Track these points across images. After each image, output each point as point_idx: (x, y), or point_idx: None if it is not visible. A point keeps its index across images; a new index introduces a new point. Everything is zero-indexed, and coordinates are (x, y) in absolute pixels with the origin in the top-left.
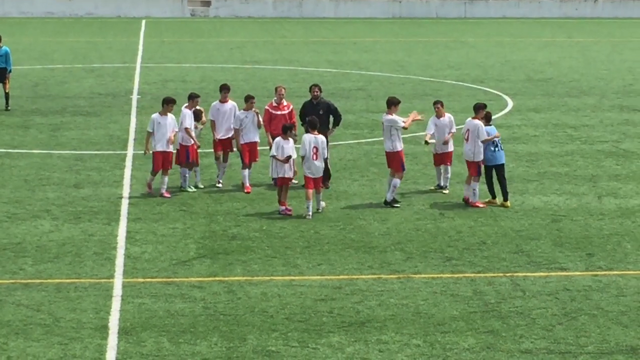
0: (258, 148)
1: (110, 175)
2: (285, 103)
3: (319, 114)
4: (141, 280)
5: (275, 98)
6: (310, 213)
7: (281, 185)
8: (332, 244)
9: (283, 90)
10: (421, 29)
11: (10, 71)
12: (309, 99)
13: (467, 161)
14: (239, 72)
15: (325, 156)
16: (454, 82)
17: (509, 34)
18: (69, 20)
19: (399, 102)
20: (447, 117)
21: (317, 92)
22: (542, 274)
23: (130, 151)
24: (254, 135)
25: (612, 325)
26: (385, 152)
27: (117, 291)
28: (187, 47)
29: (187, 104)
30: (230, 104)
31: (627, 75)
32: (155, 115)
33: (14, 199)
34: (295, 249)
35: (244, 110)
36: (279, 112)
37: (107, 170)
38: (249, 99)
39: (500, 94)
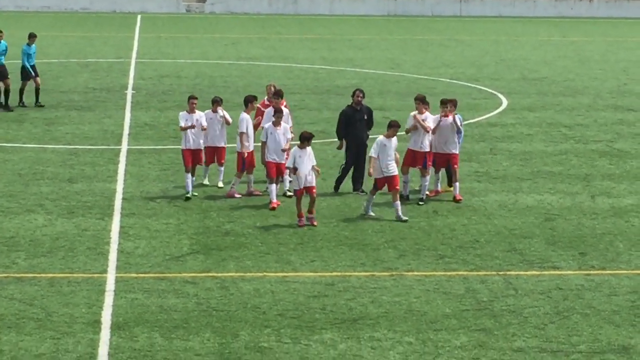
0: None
1: (104, 170)
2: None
3: (362, 120)
4: (134, 275)
5: (267, 97)
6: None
7: (300, 194)
8: (325, 240)
9: (273, 88)
10: (416, 27)
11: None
12: (348, 104)
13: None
14: (234, 69)
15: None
16: (448, 80)
17: (504, 32)
18: (64, 14)
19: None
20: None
21: (360, 97)
22: (534, 272)
23: (124, 146)
24: (218, 140)
25: (604, 325)
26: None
27: (110, 286)
28: (182, 43)
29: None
30: (199, 114)
31: (621, 75)
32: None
33: (8, 193)
34: (289, 246)
35: (211, 111)
36: None
37: (101, 165)
38: (214, 102)
39: (495, 92)
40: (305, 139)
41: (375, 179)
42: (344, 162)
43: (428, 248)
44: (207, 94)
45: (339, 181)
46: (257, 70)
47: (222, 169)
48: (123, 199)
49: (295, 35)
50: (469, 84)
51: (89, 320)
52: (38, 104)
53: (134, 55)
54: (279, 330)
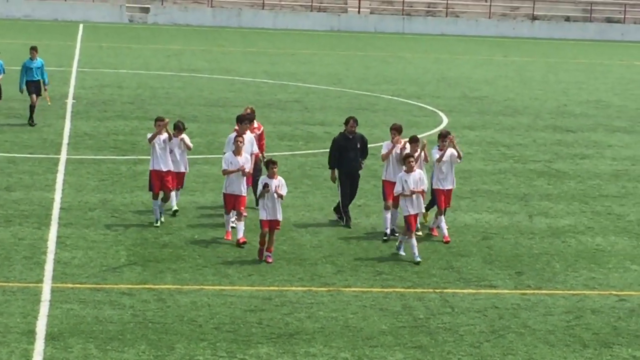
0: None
1: (43, 179)
2: (255, 124)
3: (355, 149)
4: (70, 285)
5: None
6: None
7: (266, 228)
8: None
9: (249, 110)
10: (359, 43)
11: (47, 84)
12: (341, 132)
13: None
14: (176, 80)
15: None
16: (390, 97)
17: (446, 51)
18: (6, 21)
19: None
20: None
21: (354, 126)
22: (471, 290)
23: (63, 155)
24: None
25: (538, 344)
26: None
27: (46, 296)
28: (124, 53)
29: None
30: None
31: (561, 96)
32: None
33: None
34: (227, 259)
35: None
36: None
37: (40, 174)
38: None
39: (436, 110)
40: (269, 165)
41: (405, 217)
42: (338, 200)
43: (366, 264)
44: (148, 105)
45: (346, 214)
46: (200, 82)
47: (178, 193)
48: (61, 208)
49: (238, 48)
50: (410, 101)
51: (24, 330)
52: (31, 122)
53: (75, 64)
54: (215, 343)
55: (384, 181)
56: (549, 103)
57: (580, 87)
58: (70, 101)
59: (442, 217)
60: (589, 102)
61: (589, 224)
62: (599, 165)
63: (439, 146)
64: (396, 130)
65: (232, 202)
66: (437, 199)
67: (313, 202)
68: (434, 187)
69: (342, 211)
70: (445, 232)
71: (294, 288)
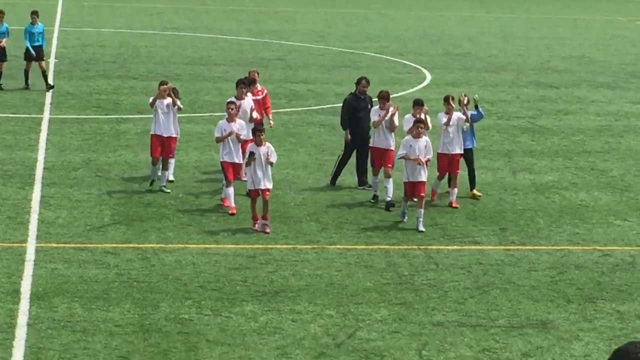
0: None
1: (26, 139)
2: (259, 87)
3: (366, 109)
4: (54, 245)
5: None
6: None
7: (255, 197)
8: (247, 213)
9: (256, 74)
10: (341, 1)
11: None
12: (352, 92)
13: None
14: (158, 39)
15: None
16: (373, 54)
17: (429, 7)
18: None
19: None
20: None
21: (365, 86)
22: (455, 247)
23: (46, 115)
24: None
25: (523, 300)
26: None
27: (30, 256)
28: (106, 12)
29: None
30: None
31: (544, 52)
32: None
33: None
34: (211, 217)
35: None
36: (252, 98)
37: (23, 134)
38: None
39: (419, 67)
40: (256, 132)
41: (404, 183)
42: (340, 152)
43: (350, 222)
44: (130, 64)
45: (336, 174)
46: (182, 41)
47: (172, 161)
48: (44, 168)
49: (220, 6)
50: (394, 59)
51: (8, 290)
52: (49, 86)
53: (57, 23)
54: (200, 302)
55: (372, 147)
56: (532, 59)
57: (564, 42)
58: (52, 60)
59: (439, 181)
60: (572, 57)
61: (572, 179)
62: (583, 121)
63: (445, 112)
64: (384, 98)
65: (231, 170)
66: (438, 164)
67: (297, 160)
68: (439, 151)
69: (337, 171)
70: (435, 193)
71: (278, 246)
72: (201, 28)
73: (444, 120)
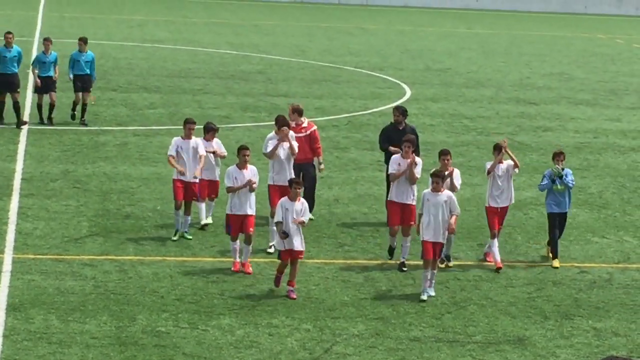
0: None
1: (4, 149)
2: (305, 123)
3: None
4: (31, 256)
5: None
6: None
7: (286, 259)
8: (223, 226)
9: (300, 106)
10: (322, 15)
11: (94, 79)
12: (391, 121)
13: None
14: (139, 51)
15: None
16: (353, 69)
17: (410, 22)
18: None
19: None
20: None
21: (400, 117)
22: None
23: (25, 126)
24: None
25: (500, 316)
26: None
27: (7, 267)
28: (87, 23)
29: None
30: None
31: (524, 68)
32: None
33: None
34: (189, 230)
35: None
36: (296, 135)
37: (1, 145)
38: (209, 130)
39: (399, 82)
40: (292, 184)
41: (422, 242)
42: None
43: (328, 236)
44: (110, 76)
45: None
46: (162, 53)
47: (213, 203)
48: (22, 179)
49: (201, 19)
50: (374, 73)
51: None
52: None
53: (37, 34)
54: (177, 315)
55: (388, 202)
56: (512, 75)
57: (543, 59)
58: (31, 71)
59: (496, 240)
60: (552, 74)
61: None
62: (562, 138)
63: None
64: (410, 142)
65: (238, 224)
66: (488, 219)
67: None
68: (486, 204)
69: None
70: (497, 257)
71: (256, 260)
72: (181, 40)
73: (488, 167)
